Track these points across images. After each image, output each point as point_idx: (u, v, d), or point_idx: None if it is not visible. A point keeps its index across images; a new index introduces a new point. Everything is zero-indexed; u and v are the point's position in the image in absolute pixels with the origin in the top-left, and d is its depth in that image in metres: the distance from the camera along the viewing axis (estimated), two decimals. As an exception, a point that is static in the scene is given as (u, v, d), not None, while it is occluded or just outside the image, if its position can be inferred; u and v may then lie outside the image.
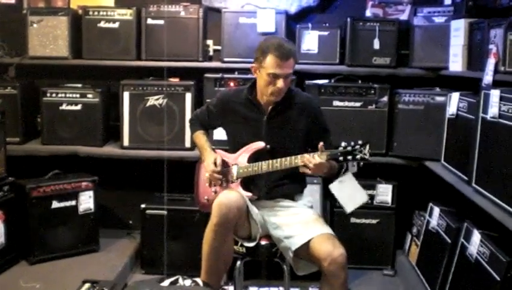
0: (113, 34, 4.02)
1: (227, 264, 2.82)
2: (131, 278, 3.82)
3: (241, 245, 2.86)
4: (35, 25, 4.01)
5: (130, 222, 4.45)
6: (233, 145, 3.02)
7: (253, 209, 2.80)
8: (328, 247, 2.59)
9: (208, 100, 3.84)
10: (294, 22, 4.10)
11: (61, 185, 3.81)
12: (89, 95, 4.03)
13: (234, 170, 2.93)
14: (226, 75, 3.94)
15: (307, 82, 3.89)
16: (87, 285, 3.27)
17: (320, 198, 3.80)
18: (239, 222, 2.72)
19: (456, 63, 3.46)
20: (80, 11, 4.09)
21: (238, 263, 2.96)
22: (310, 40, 3.92)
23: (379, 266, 3.99)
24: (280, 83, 2.76)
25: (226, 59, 3.99)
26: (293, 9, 4.16)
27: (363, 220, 3.96)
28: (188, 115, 3.90)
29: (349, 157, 2.60)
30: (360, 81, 3.93)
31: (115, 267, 3.69)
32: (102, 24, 4.02)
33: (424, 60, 3.84)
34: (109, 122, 4.22)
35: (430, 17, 3.81)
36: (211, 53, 4.22)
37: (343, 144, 2.63)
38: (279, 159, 2.77)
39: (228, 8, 4.09)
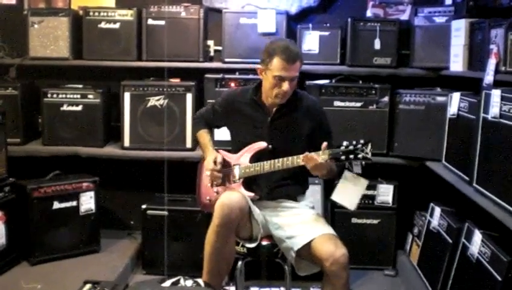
0: (114, 34, 4.02)
1: (229, 265, 2.81)
2: (132, 279, 3.82)
3: (242, 246, 2.86)
4: (36, 26, 4.01)
5: (131, 222, 4.45)
6: (236, 145, 3.02)
7: (255, 210, 2.80)
8: (330, 247, 2.59)
9: (209, 100, 3.86)
10: (294, 22, 4.10)
11: (62, 186, 3.81)
12: (90, 96, 4.03)
13: (236, 170, 2.93)
14: (226, 76, 3.94)
15: (307, 82, 3.89)
16: (88, 286, 3.27)
17: (322, 198, 3.80)
18: (241, 222, 2.72)
19: (457, 63, 3.46)
20: (81, 12, 4.09)
21: (240, 263, 2.96)
22: (311, 41, 3.92)
23: (380, 266, 3.99)
24: (286, 86, 2.76)
25: (226, 59, 3.99)
26: (293, 10, 4.16)
27: (364, 220, 3.96)
28: (189, 115, 3.91)
29: (351, 156, 2.59)
30: (360, 82, 3.93)
31: (116, 267, 3.69)
32: (102, 25, 4.02)
33: (425, 60, 3.84)
34: (110, 122, 4.22)
35: (430, 17, 3.80)
36: (212, 53, 4.22)
37: (344, 143, 2.62)
38: (281, 159, 2.77)
39: (229, 9, 4.09)
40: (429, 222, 3.61)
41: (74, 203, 3.85)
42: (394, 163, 3.87)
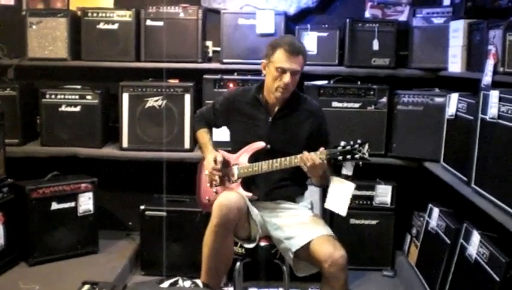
0: (112, 35, 4.02)
1: (227, 265, 2.81)
2: (130, 280, 3.81)
3: (241, 246, 2.86)
4: (34, 27, 4.01)
5: (130, 223, 4.45)
6: (235, 144, 3.02)
7: (254, 210, 2.81)
8: (329, 248, 2.59)
9: (207, 101, 3.86)
10: (293, 23, 4.10)
11: (61, 187, 3.81)
12: (88, 97, 4.03)
13: (235, 170, 2.93)
14: (225, 76, 3.94)
15: (306, 83, 3.89)
16: (86, 286, 3.27)
17: (320, 199, 3.80)
18: (239, 222, 2.72)
19: (455, 64, 3.46)
20: (79, 13, 4.08)
21: (238, 264, 2.96)
22: (309, 41, 3.92)
23: (378, 267, 3.99)
24: (287, 78, 2.76)
25: (225, 60, 3.99)
26: (292, 11, 4.16)
27: (363, 221, 3.96)
28: (188, 116, 3.91)
29: (348, 156, 2.60)
30: (359, 82, 3.93)
31: (114, 268, 3.69)
32: (101, 25, 4.02)
33: (423, 61, 3.85)
34: (108, 123, 4.21)
35: (429, 18, 3.81)
36: (210, 54, 4.22)
37: (342, 143, 2.62)
38: (279, 159, 2.78)
39: (227, 9, 4.09)
40: (427, 223, 3.61)
41: (72, 204, 3.85)
42: (392, 164, 3.88)
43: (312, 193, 3.48)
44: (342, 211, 2.78)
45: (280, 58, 2.76)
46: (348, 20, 3.90)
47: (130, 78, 4.04)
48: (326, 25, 3.99)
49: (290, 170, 2.79)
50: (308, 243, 2.67)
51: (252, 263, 3.05)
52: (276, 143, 2.89)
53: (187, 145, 3.94)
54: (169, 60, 3.92)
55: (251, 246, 2.79)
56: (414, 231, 3.91)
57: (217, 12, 4.15)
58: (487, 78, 2.87)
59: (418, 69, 3.90)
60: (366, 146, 2.60)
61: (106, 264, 3.78)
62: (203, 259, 2.76)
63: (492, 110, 2.63)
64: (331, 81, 3.97)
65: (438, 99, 3.66)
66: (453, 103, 3.30)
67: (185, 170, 3.38)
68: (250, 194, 2.85)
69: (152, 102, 3.93)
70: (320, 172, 2.69)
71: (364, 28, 3.91)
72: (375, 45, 3.88)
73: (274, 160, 2.79)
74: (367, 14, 4.17)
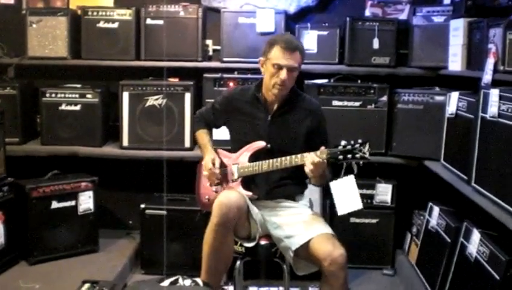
0: (113, 34, 4.02)
1: (227, 264, 2.82)
2: (131, 279, 3.82)
3: (241, 245, 2.86)
4: (34, 26, 4.01)
5: (130, 222, 4.45)
6: (235, 143, 3.02)
7: (254, 209, 2.81)
8: (328, 247, 2.59)
9: (207, 100, 3.87)
10: (293, 21, 4.10)
11: (61, 186, 3.80)
12: (88, 95, 4.03)
13: (235, 169, 2.93)
14: (225, 75, 3.95)
15: (306, 82, 3.89)
16: (86, 285, 3.26)
17: (320, 198, 3.79)
18: (239, 221, 2.72)
19: (456, 63, 3.46)
20: (79, 11, 4.08)
21: (238, 262, 2.96)
22: (309, 40, 3.92)
23: (379, 266, 3.99)
24: (283, 74, 2.76)
25: (225, 59, 3.99)
26: (292, 9, 4.16)
27: (363, 220, 3.96)
28: (188, 115, 3.92)
29: (349, 156, 2.60)
30: (359, 81, 3.93)
31: (114, 267, 3.69)
32: (101, 24, 4.02)
33: (424, 60, 3.85)
34: (108, 122, 4.22)
35: (429, 16, 3.81)
36: (210, 53, 4.21)
37: (342, 142, 2.62)
38: (279, 159, 2.78)
39: (227, 8, 4.09)
40: (428, 221, 3.61)
41: (73, 202, 3.85)
42: (393, 162, 3.88)
43: (312, 191, 3.48)
44: (357, 205, 2.78)
45: (276, 54, 2.77)
46: (348, 18, 3.90)
47: (130, 77, 4.04)
48: (327, 24, 3.99)
49: (290, 169, 2.79)
50: (308, 242, 2.67)
51: (252, 261, 3.05)
52: (276, 141, 2.89)
53: (187, 144, 3.94)
54: (170, 58, 3.92)
55: (251, 245, 2.79)
56: (414, 229, 3.91)
57: (217, 11, 4.15)
58: (487, 77, 2.87)
59: (418, 68, 3.90)
60: (367, 146, 2.60)
61: (106, 263, 3.78)
62: (203, 258, 2.77)
63: (493, 108, 2.63)
64: (331, 80, 3.97)
65: (438, 98, 3.66)
66: (453, 102, 3.30)
67: (185, 169, 3.38)
68: (250, 193, 2.85)
69: (152, 101, 3.93)
70: (321, 171, 2.69)
71: (364, 26, 3.91)
72: (376, 44, 3.88)
73: (274, 159, 2.79)
74: (367, 13, 4.17)
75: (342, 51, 3.95)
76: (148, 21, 4.00)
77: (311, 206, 3.06)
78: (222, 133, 3.24)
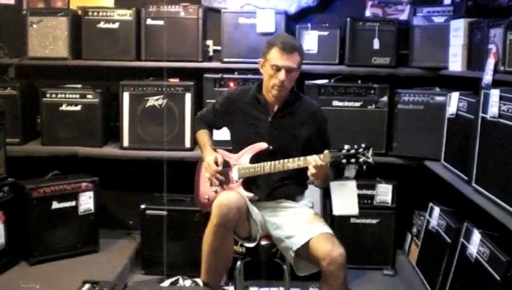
0: (113, 34, 4.02)
1: (227, 265, 2.82)
2: (131, 279, 3.82)
3: (241, 245, 2.86)
4: (34, 26, 4.01)
5: (130, 222, 4.45)
6: (235, 144, 3.02)
7: (254, 210, 2.80)
8: (327, 246, 2.59)
9: (207, 100, 3.88)
10: (293, 22, 4.10)
11: (61, 186, 3.80)
12: (89, 96, 4.03)
13: (236, 170, 2.93)
14: (225, 76, 3.95)
15: (306, 82, 3.89)
16: (87, 286, 3.26)
17: (320, 198, 3.80)
18: (239, 222, 2.72)
19: (456, 63, 3.46)
20: (80, 12, 4.08)
21: (239, 263, 2.96)
22: (310, 40, 3.92)
23: (379, 266, 3.99)
24: (282, 75, 2.76)
25: (225, 59, 3.99)
26: (292, 10, 4.16)
27: (363, 220, 3.96)
28: (188, 115, 3.92)
29: (352, 160, 2.61)
30: (359, 81, 3.93)
31: (115, 267, 3.69)
32: (101, 25, 4.02)
33: (424, 60, 3.85)
34: (109, 122, 4.22)
35: (429, 17, 3.81)
36: (211, 53, 4.22)
37: (346, 147, 2.64)
38: (281, 161, 2.78)
39: (228, 9, 4.09)
40: (428, 222, 3.61)
41: (73, 203, 3.85)
42: (393, 163, 3.87)
43: (312, 192, 3.49)
44: (353, 210, 2.79)
45: (274, 56, 2.78)
46: (348, 19, 3.90)
47: (130, 78, 4.04)
48: (327, 24, 3.99)
49: (291, 170, 2.79)
50: (308, 241, 2.67)
51: (253, 262, 3.05)
52: (276, 143, 2.89)
53: (188, 144, 3.95)
54: (170, 59, 3.92)
55: (252, 245, 2.79)
56: (415, 230, 3.91)
57: (217, 11, 4.15)
58: (488, 77, 2.87)
59: (418, 68, 3.90)
60: (371, 150, 2.62)
61: (107, 263, 3.78)
62: (203, 258, 2.76)
63: (493, 109, 2.63)
64: (332, 80, 3.97)
65: (439, 98, 3.66)
66: (454, 102, 3.30)
67: (185, 169, 3.37)
68: (251, 195, 2.85)
69: (152, 101, 3.93)
70: (323, 175, 2.70)
71: (364, 27, 3.91)
72: (376, 44, 3.88)
73: (277, 161, 2.79)
74: (368, 13, 4.17)
75: (343, 51, 3.95)
76: (149, 21, 4.00)
77: (312, 207, 3.05)
78: (222, 133, 3.24)
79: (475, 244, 2.82)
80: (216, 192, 2.95)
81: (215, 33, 4.12)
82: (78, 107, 4.02)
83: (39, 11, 4.12)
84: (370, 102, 3.87)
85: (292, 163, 2.75)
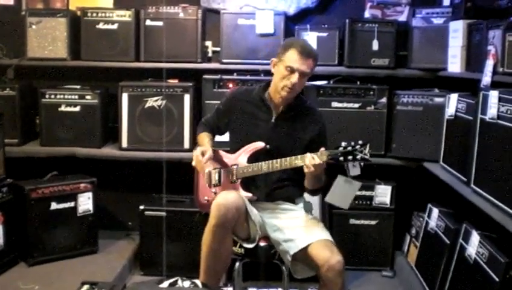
0: (112, 35, 4.02)
1: (226, 265, 2.81)
2: (130, 280, 3.81)
3: (240, 246, 2.85)
4: (33, 27, 4.01)
5: (129, 223, 4.45)
6: (234, 144, 3.01)
7: (253, 211, 2.80)
8: (326, 253, 2.60)
9: (206, 101, 3.89)
10: (292, 23, 4.10)
11: (60, 187, 3.80)
12: (88, 97, 4.03)
13: (234, 171, 2.92)
14: (224, 76, 3.95)
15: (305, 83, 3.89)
16: (86, 286, 3.27)
17: (319, 200, 3.80)
18: (238, 222, 2.71)
19: (455, 64, 3.46)
20: (79, 13, 4.08)
21: (237, 264, 2.96)
22: (309, 41, 3.91)
23: (378, 267, 3.99)
24: (294, 78, 2.77)
25: (224, 60, 3.99)
26: (291, 11, 4.17)
27: (362, 221, 3.96)
28: (187, 116, 3.92)
29: (350, 157, 2.61)
30: (358, 82, 3.93)
31: (113, 268, 3.69)
32: (101, 25, 4.02)
33: (423, 61, 3.85)
34: (108, 123, 4.21)
35: (428, 18, 3.81)
36: (210, 54, 4.22)
37: (343, 144, 2.63)
38: (279, 160, 2.77)
39: (227, 10, 4.09)
40: (427, 223, 3.61)
41: (72, 204, 3.85)
42: (392, 164, 3.87)
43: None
44: (344, 205, 2.79)
45: (291, 57, 2.78)
46: (347, 20, 3.90)
47: (129, 78, 4.04)
48: (326, 25, 3.99)
49: (290, 171, 2.79)
50: (307, 247, 2.67)
51: (252, 263, 3.05)
52: (276, 144, 2.89)
53: (186, 145, 3.94)
54: (169, 60, 3.92)
55: (250, 246, 2.79)
56: (413, 231, 3.91)
57: (216, 12, 4.15)
58: (486, 79, 2.87)
59: (417, 69, 3.90)
60: (368, 147, 2.61)
61: (105, 264, 3.78)
62: (202, 259, 2.76)
63: (492, 110, 2.63)
64: (331, 81, 3.97)
65: (438, 100, 3.66)
66: (453, 103, 3.30)
67: (184, 170, 3.37)
68: (250, 195, 2.85)
69: (151, 102, 3.93)
70: (319, 171, 2.70)
71: (364, 28, 3.91)
72: (375, 45, 3.88)
73: (274, 161, 2.79)
74: (367, 14, 4.17)
75: (342, 52, 3.95)
76: (148, 22, 4.01)
77: (310, 210, 3.05)
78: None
79: (474, 245, 2.82)
80: (215, 193, 2.95)
81: (214, 34, 4.12)
82: (77, 108, 4.02)
83: (38, 11, 4.12)
84: (369, 103, 3.88)
85: (289, 161, 2.75)
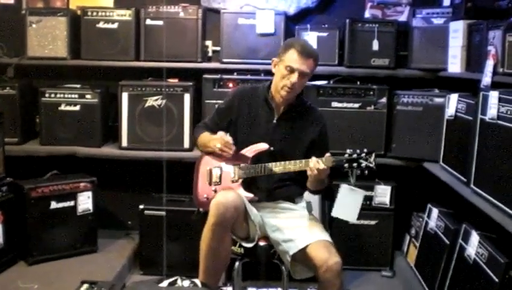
0: (112, 34, 4.02)
1: (225, 264, 2.81)
2: (129, 279, 3.81)
3: (240, 246, 2.85)
4: (34, 26, 4.01)
5: (129, 222, 4.44)
6: (237, 143, 2.98)
7: (252, 210, 2.80)
8: (325, 254, 2.60)
9: (206, 101, 3.89)
10: (293, 23, 4.10)
11: (60, 186, 3.80)
12: (88, 96, 4.02)
13: (236, 171, 2.92)
14: (224, 76, 3.95)
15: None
16: (85, 286, 3.27)
17: (319, 199, 3.80)
18: (237, 221, 2.71)
19: (455, 65, 3.46)
20: (79, 12, 4.08)
21: (237, 263, 2.96)
22: (309, 41, 3.91)
23: (377, 268, 3.99)
24: (294, 78, 2.77)
25: (225, 60, 3.99)
26: (291, 11, 4.17)
27: (362, 221, 3.95)
28: (187, 115, 3.92)
29: (354, 164, 2.62)
30: (358, 82, 3.93)
31: (113, 267, 3.69)
32: (101, 25, 4.02)
33: (423, 61, 3.85)
34: (108, 122, 4.21)
35: (428, 18, 3.81)
36: (210, 54, 4.22)
37: (348, 151, 2.64)
38: (283, 162, 2.78)
39: (227, 9, 4.09)
40: (426, 223, 3.61)
41: (72, 203, 3.85)
42: (392, 164, 3.87)
43: (312, 194, 3.50)
44: (352, 218, 2.80)
45: (291, 57, 2.78)
46: (347, 20, 3.90)
47: (129, 78, 4.03)
48: (326, 25, 3.99)
49: (291, 171, 2.80)
50: (305, 247, 2.67)
51: (251, 262, 3.04)
52: (278, 145, 2.89)
53: (186, 144, 3.94)
54: (169, 59, 3.92)
55: (250, 245, 2.79)
56: (413, 231, 3.91)
57: (216, 11, 4.15)
58: (487, 79, 2.87)
59: (417, 70, 3.90)
60: (373, 156, 2.63)
61: (105, 263, 3.78)
62: (201, 258, 2.76)
63: (492, 110, 2.63)
64: (331, 81, 3.97)
65: (438, 100, 3.67)
66: (453, 104, 3.30)
67: (184, 170, 3.37)
68: (251, 195, 2.85)
69: (151, 101, 3.93)
70: (323, 176, 2.70)
71: (364, 28, 3.91)
72: (375, 45, 3.88)
73: (278, 163, 2.79)
74: (367, 14, 4.17)
75: (342, 52, 3.95)
76: (148, 22, 4.00)
77: (310, 210, 3.05)
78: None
79: (473, 245, 2.82)
80: (215, 191, 2.94)
81: (215, 34, 4.12)
82: (77, 107, 4.02)
83: (38, 10, 4.12)
84: (369, 103, 3.88)
85: (294, 165, 2.75)
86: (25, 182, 3.74)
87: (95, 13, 4.02)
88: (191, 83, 3.95)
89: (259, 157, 2.89)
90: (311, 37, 3.92)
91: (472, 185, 2.87)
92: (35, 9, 4.17)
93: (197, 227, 2.84)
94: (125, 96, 3.95)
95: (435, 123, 3.59)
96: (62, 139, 4.03)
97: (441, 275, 3.18)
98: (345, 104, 3.89)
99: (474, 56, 3.26)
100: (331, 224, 3.88)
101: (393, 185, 3.95)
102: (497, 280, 2.51)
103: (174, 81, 3.97)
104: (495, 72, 2.83)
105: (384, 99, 3.86)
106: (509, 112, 2.50)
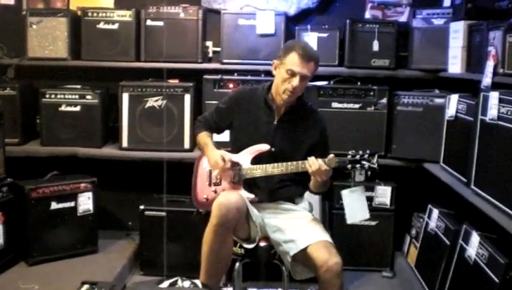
0: (113, 35, 4.02)
1: (226, 265, 2.81)
2: (130, 280, 3.81)
3: (240, 246, 2.85)
4: (34, 26, 4.01)
5: (129, 223, 4.45)
6: (236, 145, 3.00)
7: (254, 211, 2.80)
8: (325, 255, 2.60)
9: (207, 102, 3.89)
10: (293, 23, 4.10)
11: (60, 186, 3.80)
12: (88, 96, 4.03)
13: (237, 171, 2.91)
14: (225, 77, 3.95)
15: (306, 83, 3.89)
16: (85, 286, 3.25)
17: (319, 199, 3.80)
18: (238, 222, 2.72)
19: (455, 65, 3.47)
20: (79, 12, 4.08)
21: (237, 264, 2.96)
22: (309, 42, 3.91)
23: (378, 268, 3.99)
24: (295, 82, 2.76)
25: (225, 60, 3.99)
26: (292, 11, 4.17)
27: (362, 222, 3.92)
28: (187, 116, 3.92)
29: (357, 165, 2.63)
30: (359, 83, 3.93)
31: (113, 268, 3.69)
32: (101, 25, 4.02)
33: (423, 62, 3.85)
34: (108, 123, 4.21)
35: (429, 19, 3.81)
36: (210, 54, 4.22)
37: (350, 152, 2.65)
38: (284, 163, 2.78)
39: (227, 10, 4.09)
40: (427, 224, 3.61)
41: (72, 203, 3.85)
42: (392, 164, 3.87)
43: (312, 194, 3.49)
44: (365, 215, 2.82)
45: (292, 61, 2.77)
46: (348, 20, 3.91)
47: (130, 78, 4.03)
48: (327, 26, 3.99)
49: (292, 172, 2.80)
50: (306, 247, 2.67)
51: (252, 263, 3.05)
52: (279, 146, 2.89)
53: (187, 145, 3.95)
54: (169, 60, 3.92)
55: (250, 246, 2.79)
56: (413, 232, 3.91)
57: (217, 12, 4.15)
58: (487, 80, 2.87)
59: (418, 70, 3.90)
60: (376, 157, 2.64)
61: (105, 264, 3.78)
62: (203, 259, 2.76)
63: (492, 111, 2.63)
64: (331, 82, 3.97)
65: (438, 101, 3.66)
66: (453, 104, 3.30)
67: (184, 170, 3.37)
68: (252, 196, 2.85)
69: (152, 102, 3.93)
70: (325, 178, 2.71)
71: (364, 28, 3.91)
72: (375, 46, 3.88)
73: (280, 163, 2.80)
74: (367, 15, 4.17)
75: (342, 53, 3.95)
76: (148, 22, 4.01)
77: (310, 210, 3.05)
78: (222, 135, 3.23)
79: (474, 246, 2.82)
80: (215, 192, 2.94)
81: (215, 34, 4.12)
82: (78, 108, 4.02)
83: (39, 11, 4.12)
84: (369, 104, 3.88)
85: (296, 166, 2.76)
86: (26, 182, 3.74)
87: (95, 14, 4.02)
88: (191, 84, 3.96)
89: (259, 158, 2.89)
90: (311, 38, 3.92)
91: (472, 186, 2.87)
92: (35, 10, 4.18)
93: (198, 228, 2.84)
94: (125, 97, 3.95)
95: (435, 124, 3.59)
96: (62, 140, 4.03)
97: (441, 275, 3.18)
98: (345, 105, 3.89)
99: (475, 57, 3.26)
100: (331, 224, 3.89)
101: (394, 186, 3.96)
102: (497, 280, 2.51)
103: (174, 81, 3.97)
104: (495, 73, 2.84)
105: (384, 100, 3.86)
106: (509, 113, 2.50)
